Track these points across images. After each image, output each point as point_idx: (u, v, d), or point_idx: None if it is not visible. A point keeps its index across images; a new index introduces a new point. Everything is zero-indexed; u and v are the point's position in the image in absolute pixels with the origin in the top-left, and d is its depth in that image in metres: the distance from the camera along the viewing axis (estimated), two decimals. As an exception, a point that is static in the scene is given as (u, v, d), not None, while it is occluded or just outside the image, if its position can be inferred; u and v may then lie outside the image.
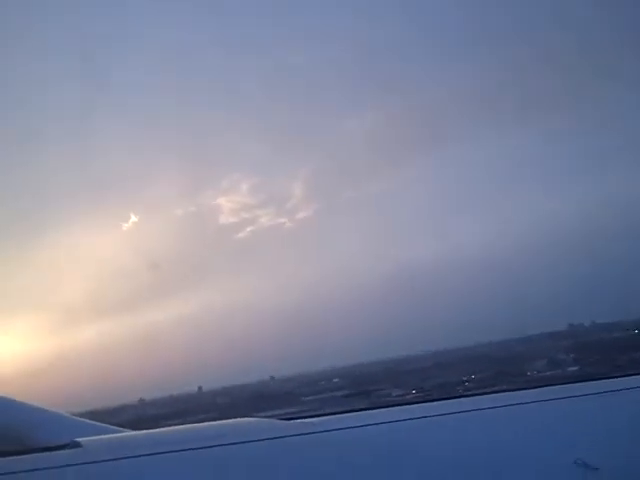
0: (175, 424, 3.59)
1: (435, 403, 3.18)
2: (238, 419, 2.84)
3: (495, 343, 60.82)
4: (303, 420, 2.76)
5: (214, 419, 3.12)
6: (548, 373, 36.16)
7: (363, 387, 40.18)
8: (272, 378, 66.32)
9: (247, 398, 45.22)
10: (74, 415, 3.59)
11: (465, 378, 38.98)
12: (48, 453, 2.41)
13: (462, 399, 3.40)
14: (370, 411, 3.12)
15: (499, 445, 2.45)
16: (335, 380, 50.42)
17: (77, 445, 2.38)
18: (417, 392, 34.14)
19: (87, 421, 3.49)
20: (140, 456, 2.21)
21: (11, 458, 2.27)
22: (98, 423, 3.48)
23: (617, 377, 3.32)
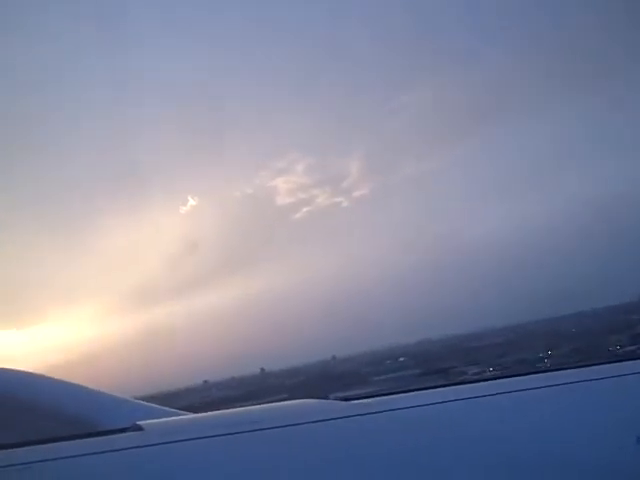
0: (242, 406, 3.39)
1: (497, 381, 3.16)
2: (297, 400, 2.83)
3: (563, 317, 58.71)
4: (363, 400, 2.73)
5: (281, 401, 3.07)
6: (631, 348, 34.23)
7: (434, 365, 38.76)
8: (334, 358, 65.64)
9: (313, 379, 44.39)
10: (137, 399, 3.62)
11: (542, 354, 37.39)
12: (110, 436, 2.42)
13: (522, 377, 3.26)
14: (431, 390, 3.05)
15: (565, 423, 2.40)
16: (401, 359, 48.94)
17: (139, 428, 2.38)
18: (494, 370, 32.78)
19: (149, 404, 3.55)
20: (202, 438, 2.22)
21: (73, 442, 2.28)
22: (160, 407, 3.52)
23: None
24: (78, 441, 2.35)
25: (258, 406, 3.17)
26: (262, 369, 63.98)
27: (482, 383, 3.24)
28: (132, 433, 2.40)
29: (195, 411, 3.51)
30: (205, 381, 61.36)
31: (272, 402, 3.12)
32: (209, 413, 3.00)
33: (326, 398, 2.80)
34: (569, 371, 3.23)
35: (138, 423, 2.44)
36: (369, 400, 2.75)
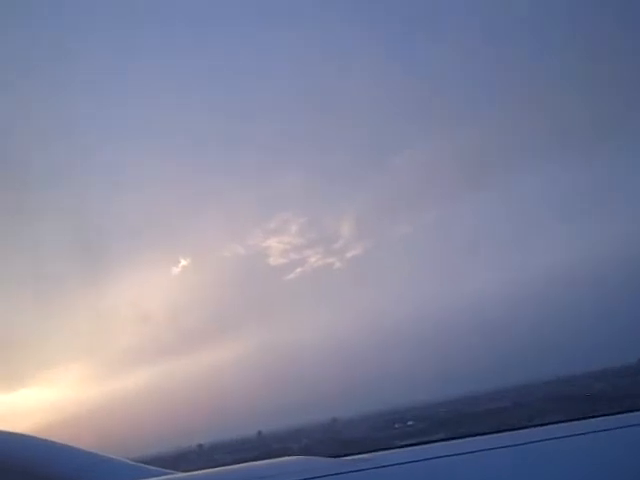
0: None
1: (493, 435, 3.06)
2: (285, 457, 2.78)
3: (570, 377, 57.32)
4: (350, 457, 2.68)
5: None
6: None
7: (455, 431, 37.19)
8: (334, 420, 63.61)
9: (318, 444, 42.56)
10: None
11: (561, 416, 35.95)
12: None
13: (518, 431, 3.19)
14: (424, 445, 3.04)
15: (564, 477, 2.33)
16: (410, 422, 47.27)
17: None
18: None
19: (140, 464, 3.50)
20: None
21: None
22: (150, 467, 3.49)
23: None
24: None
25: (246, 464, 3.09)
26: (259, 432, 61.90)
27: (478, 437, 3.12)
28: None
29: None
30: (200, 445, 59.22)
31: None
32: (199, 472, 3.01)
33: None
34: (568, 424, 3.17)
35: None
36: (356, 457, 2.71)
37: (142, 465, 3.49)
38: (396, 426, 47.11)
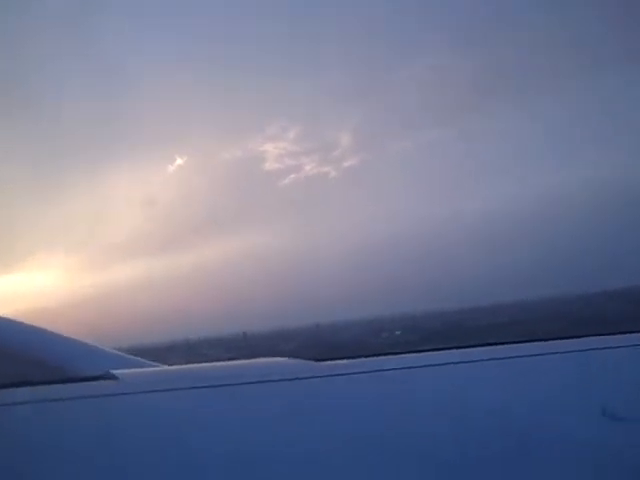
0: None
1: (463, 350, 3.02)
2: (273, 358, 2.77)
3: (572, 297, 57.47)
4: (339, 361, 2.69)
5: None
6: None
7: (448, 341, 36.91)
8: (317, 326, 64.05)
9: (309, 346, 42.48)
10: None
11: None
12: (81, 383, 2.38)
13: (485, 347, 3.05)
14: (416, 354, 2.92)
15: (523, 396, 2.37)
16: (398, 332, 47.22)
17: (112, 377, 2.36)
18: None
19: (123, 354, 3.46)
20: (175, 390, 2.21)
21: (41, 387, 2.23)
22: (134, 357, 3.43)
23: None
24: (46, 386, 2.25)
25: (233, 362, 3.02)
26: (244, 333, 62.32)
27: (468, 349, 3.05)
28: (105, 381, 2.34)
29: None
30: (187, 339, 59.67)
31: None
32: (184, 366, 2.99)
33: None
34: (536, 344, 3.14)
35: (112, 372, 2.38)
36: (345, 361, 2.70)
37: (125, 355, 3.53)
38: (384, 334, 47.05)
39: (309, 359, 2.70)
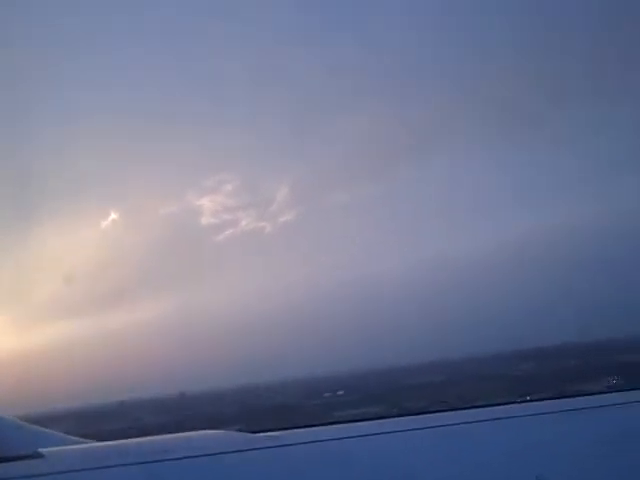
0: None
1: (398, 419, 3.18)
2: (203, 431, 2.80)
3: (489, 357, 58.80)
4: (271, 433, 2.69)
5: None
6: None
7: (394, 403, 36.82)
8: (257, 387, 63.33)
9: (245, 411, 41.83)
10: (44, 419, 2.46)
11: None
12: (9, 463, 2.31)
13: (421, 415, 3.30)
14: (340, 425, 3.03)
15: (458, 463, 2.38)
16: (340, 392, 47.06)
17: (39, 455, 2.34)
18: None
19: (51, 431, 3.46)
20: (105, 467, 2.14)
21: None
22: (62, 434, 3.44)
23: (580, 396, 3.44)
24: None
25: (164, 436, 3.05)
26: (182, 393, 61.07)
27: (393, 419, 3.20)
28: (32, 460, 2.32)
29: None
30: (121, 402, 58.16)
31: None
32: (112, 442, 2.95)
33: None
34: (474, 410, 3.22)
35: (39, 450, 2.37)
36: (276, 433, 2.69)
37: (52, 432, 3.49)
38: (326, 395, 46.76)
39: (250, 421, 3.07)
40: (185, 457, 2.32)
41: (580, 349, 52.16)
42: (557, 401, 3.38)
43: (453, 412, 3.35)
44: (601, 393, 3.85)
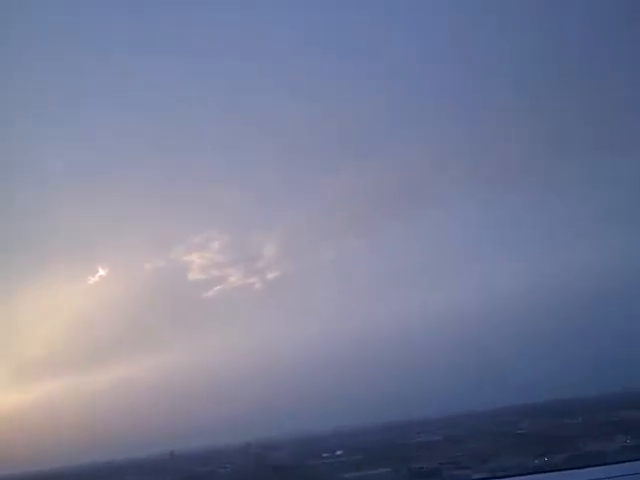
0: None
1: None
2: None
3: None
4: None
5: None
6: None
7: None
8: (248, 445, 61.65)
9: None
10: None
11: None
12: None
13: None
14: None
15: None
16: (338, 452, 45.47)
17: None
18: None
19: None
20: None
21: None
22: None
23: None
24: None
25: None
26: (172, 452, 59.30)
27: None
28: None
29: None
30: (108, 462, 56.43)
31: None
32: None
33: None
34: None
35: None
36: None
37: None
38: (324, 455, 45.23)
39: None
40: None
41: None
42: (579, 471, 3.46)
43: None
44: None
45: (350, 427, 64.41)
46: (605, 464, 3.60)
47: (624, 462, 3.65)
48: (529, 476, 2.94)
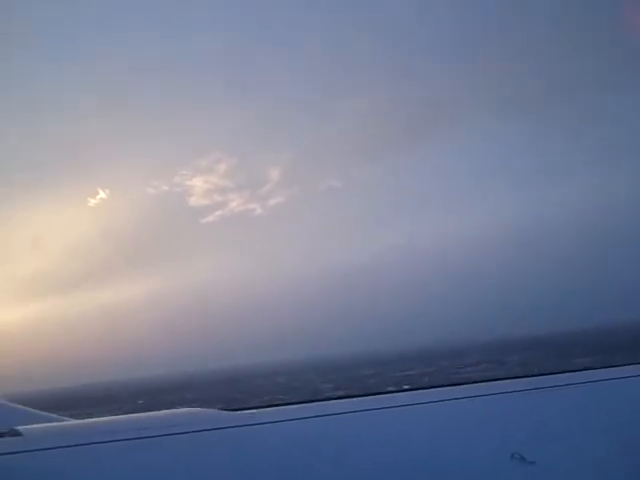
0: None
1: (374, 397, 3.16)
2: (181, 409, 2.83)
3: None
4: (247, 411, 2.67)
5: None
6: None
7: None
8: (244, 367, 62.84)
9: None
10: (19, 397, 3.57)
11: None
12: None
13: (399, 394, 3.23)
14: (312, 403, 3.02)
15: (434, 440, 2.37)
16: (328, 386, 46.00)
17: (16, 433, 2.30)
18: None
19: (28, 409, 3.46)
20: (83, 445, 2.15)
21: None
22: (39, 411, 3.43)
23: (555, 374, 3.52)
24: None
25: (143, 414, 3.03)
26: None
27: (366, 397, 3.16)
28: (9, 438, 2.27)
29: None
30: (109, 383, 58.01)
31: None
32: (91, 420, 2.90)
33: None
34: (451, 388, 3.18)
35: (16, 428, 2.30)
36: (253, 411, 2.69)
37: (29, 409, 3.44)
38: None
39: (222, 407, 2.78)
40: (162, 435, 2.29)
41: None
42: (532, 379, 3.35)
43: (431, 390, 3.28)
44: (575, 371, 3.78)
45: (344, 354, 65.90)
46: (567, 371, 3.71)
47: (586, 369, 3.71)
48: (494, 383, 3.03)
